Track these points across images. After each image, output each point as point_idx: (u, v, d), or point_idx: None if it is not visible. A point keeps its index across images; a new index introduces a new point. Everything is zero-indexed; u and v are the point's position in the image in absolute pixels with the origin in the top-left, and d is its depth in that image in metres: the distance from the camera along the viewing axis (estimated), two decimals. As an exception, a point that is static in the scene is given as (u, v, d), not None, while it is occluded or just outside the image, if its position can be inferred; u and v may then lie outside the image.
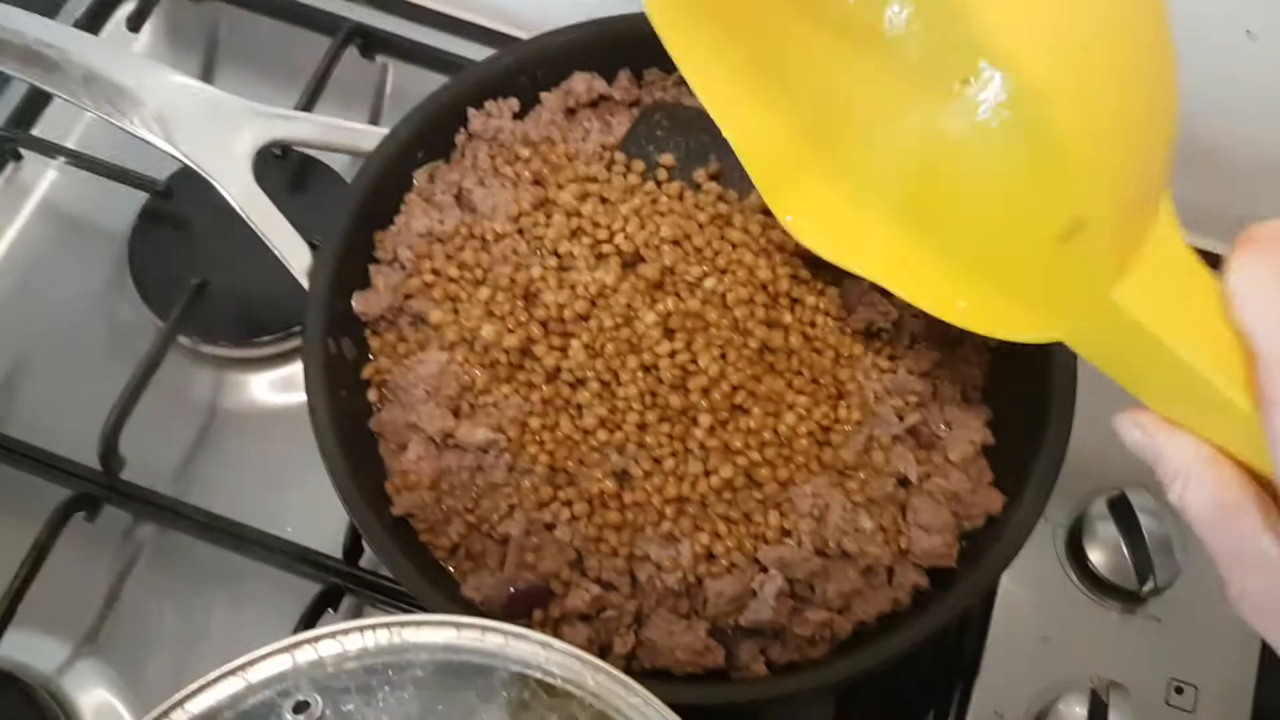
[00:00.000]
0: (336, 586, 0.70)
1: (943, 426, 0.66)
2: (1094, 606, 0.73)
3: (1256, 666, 0.71)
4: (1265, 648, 0.71)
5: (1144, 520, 0.70)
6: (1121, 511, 0.72)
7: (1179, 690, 0.71)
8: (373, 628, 0.48)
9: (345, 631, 0.48)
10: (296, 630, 0.67)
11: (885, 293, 0.69)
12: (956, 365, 0.68)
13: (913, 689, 0.71)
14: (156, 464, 0.76)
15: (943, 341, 0.69)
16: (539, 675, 0.48)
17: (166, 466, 0.77)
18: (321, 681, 0.47)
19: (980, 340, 0.69)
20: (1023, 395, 0.65)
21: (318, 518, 0.74)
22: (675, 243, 0.66)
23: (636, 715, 0.47)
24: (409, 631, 0.48)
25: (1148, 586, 0.70)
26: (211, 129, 0.71)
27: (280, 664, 0.47)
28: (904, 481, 0.64)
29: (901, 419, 0.65)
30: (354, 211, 0.68)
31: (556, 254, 0.67)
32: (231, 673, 0.46)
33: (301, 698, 0.46)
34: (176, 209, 0.81)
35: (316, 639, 0.47)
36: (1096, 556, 0.72)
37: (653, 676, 0.60)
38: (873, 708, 0.70)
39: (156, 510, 0.72)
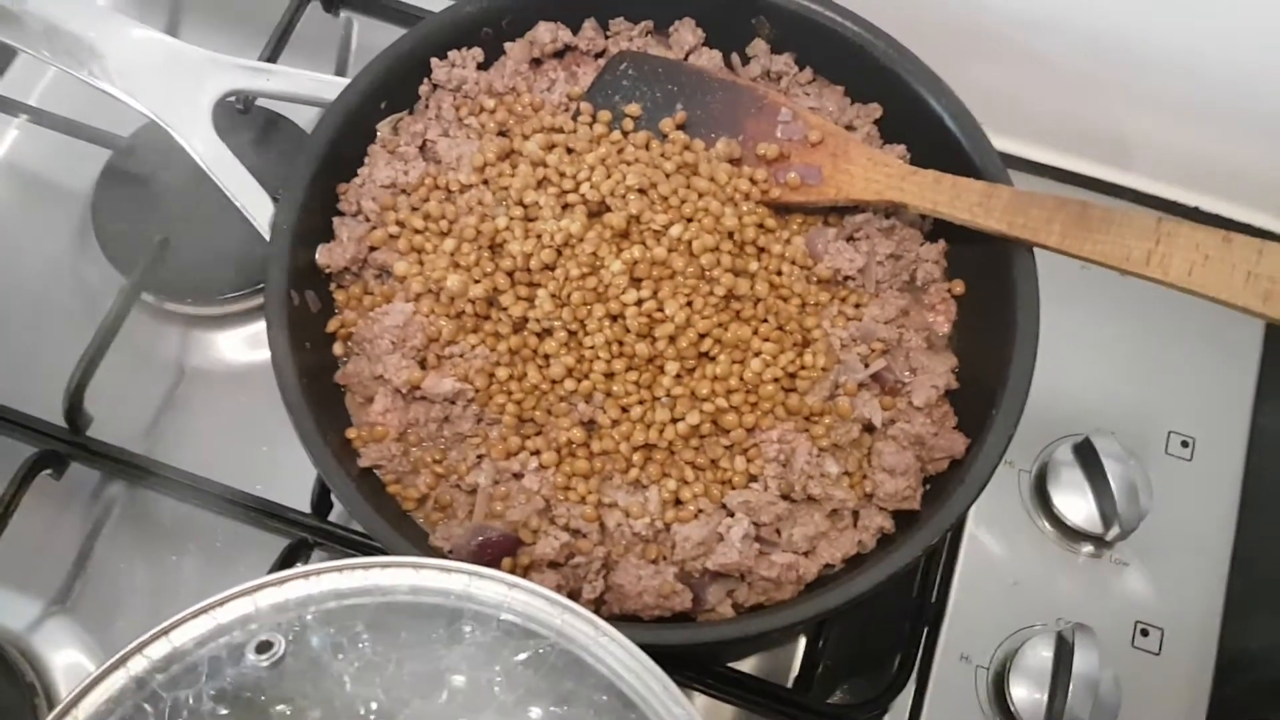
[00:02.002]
0: (305, 540, 0.70)
1: (907, 373, 0.67)
2: (1060, 551, 0.74)
3: (1221, 609, 0.72)
4: (1230, 590, 0.72)
5: (1109, 465, 0.71)
6: (1086, 456, 0.72)
7: (1145, 633, 0.72)
8: (338, 570, 0.48)
9: (313, 574, 0.48)
10: (265, 583, 0.67)
11: (851, 241, 0.69)
12: (921, 312, 0.69)
13: (880, 635, 0.71)
14: (125, 422, 0.76)
15: (908, 289, 0.69)
16: (504, 615, 0.48)
17: (135, 425, 0.76)
18: (286, 624, 0.47)
19: (945, 287, 0.69)
20: (987, 341, 0.65)
21: (287, 474, 0.74)
22: (641, 191, 0.66)
23: (604, 653, 0.47)
24: (374, 574, 0.48)
25: (1113, 531, 0.71)
26: (173, 81, 0.70)
27: (243, 606, 0.47)
28: (869, 427, 0.65)
29: (866, 365, 0.65)
30: (316, 162, 0.68)
31: (522, 204, 0.67)
32: (202, 611, 0.46)
33: (264, 637, 0.46)
34: (140, 166, 0.80)
35: (283, 580, 0.47)
36: (1062, 501, 0.73)
37: (621, 620, 0.60)
38: (841, 652, 0.70)
39: (124, 468, 0.72)
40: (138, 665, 0.46)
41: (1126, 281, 0.62)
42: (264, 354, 0.78)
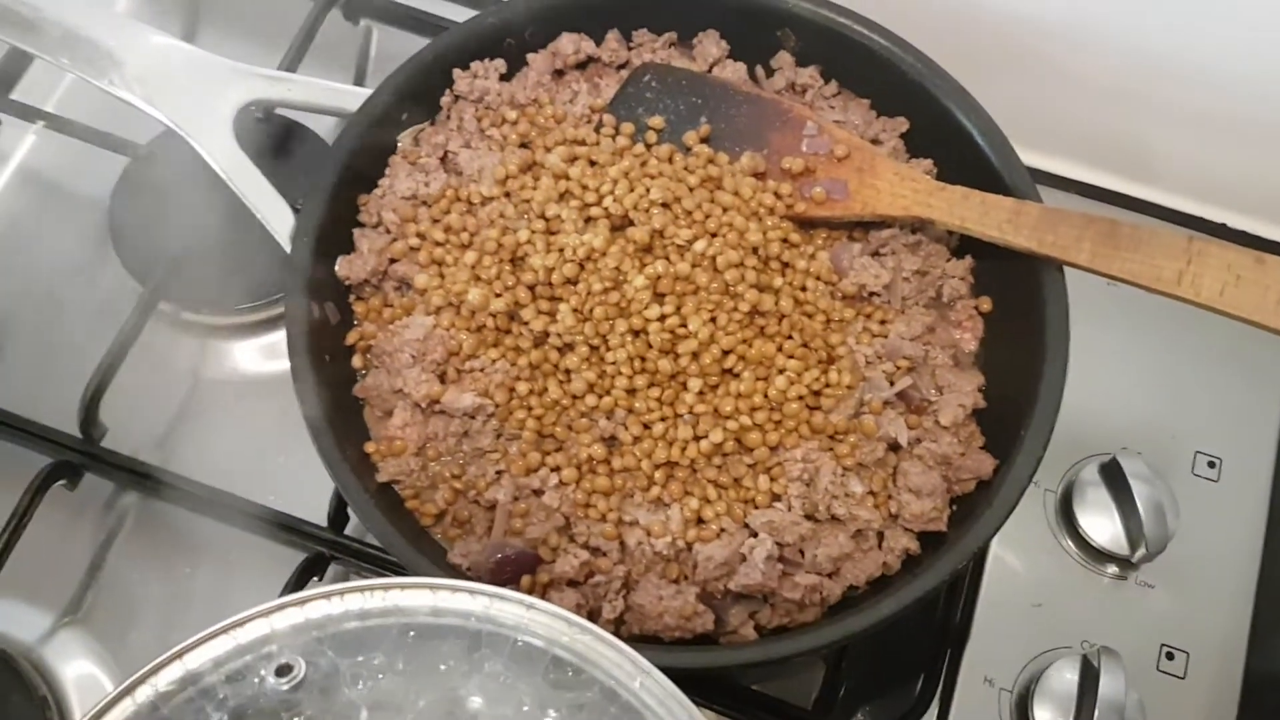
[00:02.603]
0: (321, 555, 0.70)
1: (934, 391, 0.66)
2: (1085, 572, 0.73)
3: (1248, 633, 0.71)
4: (1256, 613, 0.71)
5: (1136, 486, 0.70)
6: (1113, 477, 0.72)
7: (1170, 656, 0.70)
8: (357, 590, 0.47)
9: (331, 594, 0.47)
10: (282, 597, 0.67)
11: (876, 256, 0.68)
12: (948, 329, 0.68)
13: (903, 656, 0.70)
14: (139, 432, 0.75)
15: (934, 306, 0.68)
16: (522, 637, 0.47)
17: (149, 435, 0.76)
18: (305, 646, 0.46)
19: (973, 304, 0.68)
20: (1015, 360, 0.64)
21: (302, 486, 0.73)
22: (665, 205, 0.65)
23: (624, 675, 0.46)
24: (392, 595, 0.48)
25: (1140, 553, 0.70)
26: (193, 89, 0.70)
27: (262, 627, 0.46)
28: (894, 446, 0.64)
29: (892, 383, 0.65)
30: (337, 173, 0.67)
31: (544, 217, 0.66)
32: (222, 631, 0.45)
33: (284, 660, 0.46)
34: (158, 173, 0.80)
35: (303, 601, 0.47)
36: (1088, 522, 0.72)
37: (641, 642, 0.59)
38: (863, 674, 0.69)
39: (139, 479, 0.71)
40: (156, 684, 0.45)
41: (1152, 299, 0.61)
42: (279, 365, 0.78)
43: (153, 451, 0.75)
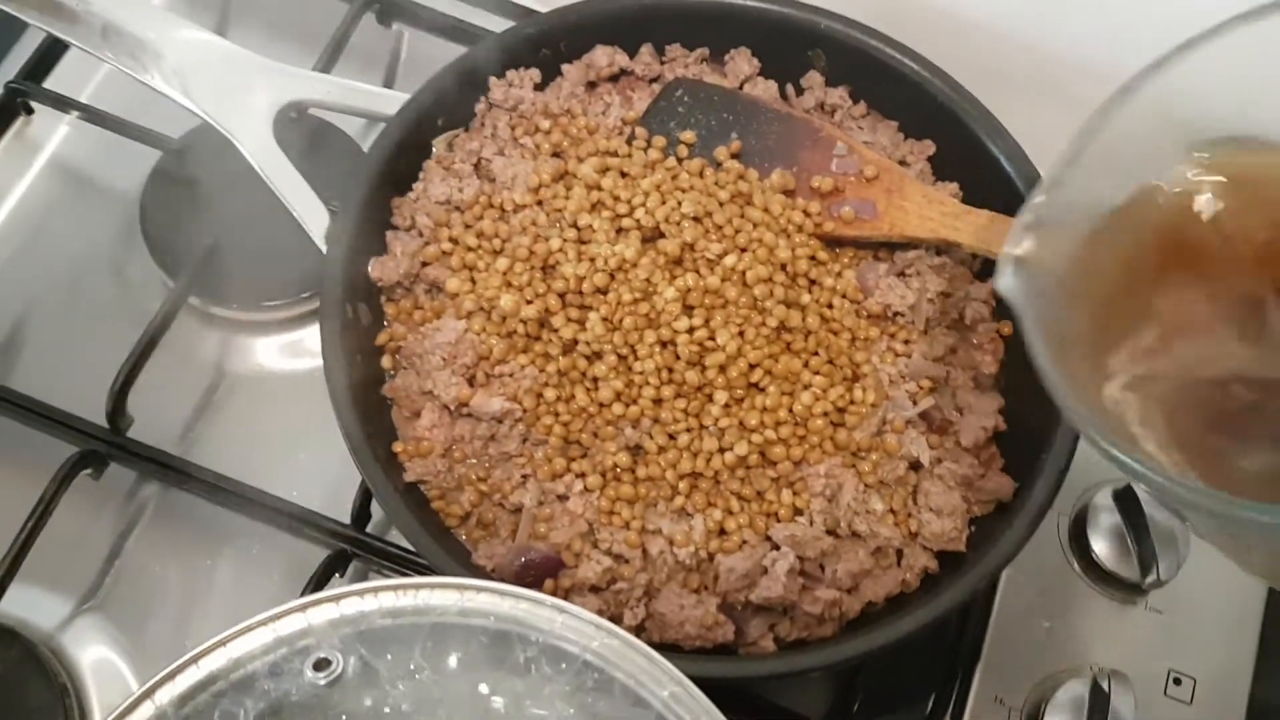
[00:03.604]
0: (344, 551, 0.70)
1: (955, 412, 0.67)
2: (1096, 596, 0.73)
3: (1253, 660, 0.72)
4: (1262, 642, 0.72)
5: (1150, 512, 0.71)
6: (1126, 502, 0.72)
7: (1177, 681, 0.71)
8: (395, 589, 0.48)
9: (365, 591, 0.48)
10: (305, 594, 0.67)
11: (901, 277, 0.69)
12: (969, 351, 0.69)
13: (915, 673, 0.71)
14: (163, 424, 0.75)
15: (955, 327, 0.69)
16: (554, 641, 0.48)
17: (173, 426, 0.76)
18: (341, 641, 0.47)
19: (994, 327, 0.69)
20: (1035, 383, 0.65)
21: (325, 483, 0.74)
22: (696, 219, 0.66)
23: (654, 684, 0.47)
24: (424, 594, 0.48)
25: (1150, 578, 0.71)
26: (232, 86, 0.70)
27: (299, 621, 0.47)
28: (915, 465, 0.65)
29: (915, 403, 0.65)
30: (374, 176, 0.68)
31: (576, 226, 0.67)
32: (261, 624, 0.46)
33: (323, 654, 0.46)
34: (190, 168, 0.80)
35: (339, 597, 0.47)
36: (1100, 547, 0.73)
37: (660, 650, 0.59)
38: (875, 689, 0.70)
39: (164, 470, 0.72)
40: (192, 676, 0.46)
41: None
42: (302, 362, 0.80)
43: (176, 443, 0.75)
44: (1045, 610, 0.73)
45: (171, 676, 0.46)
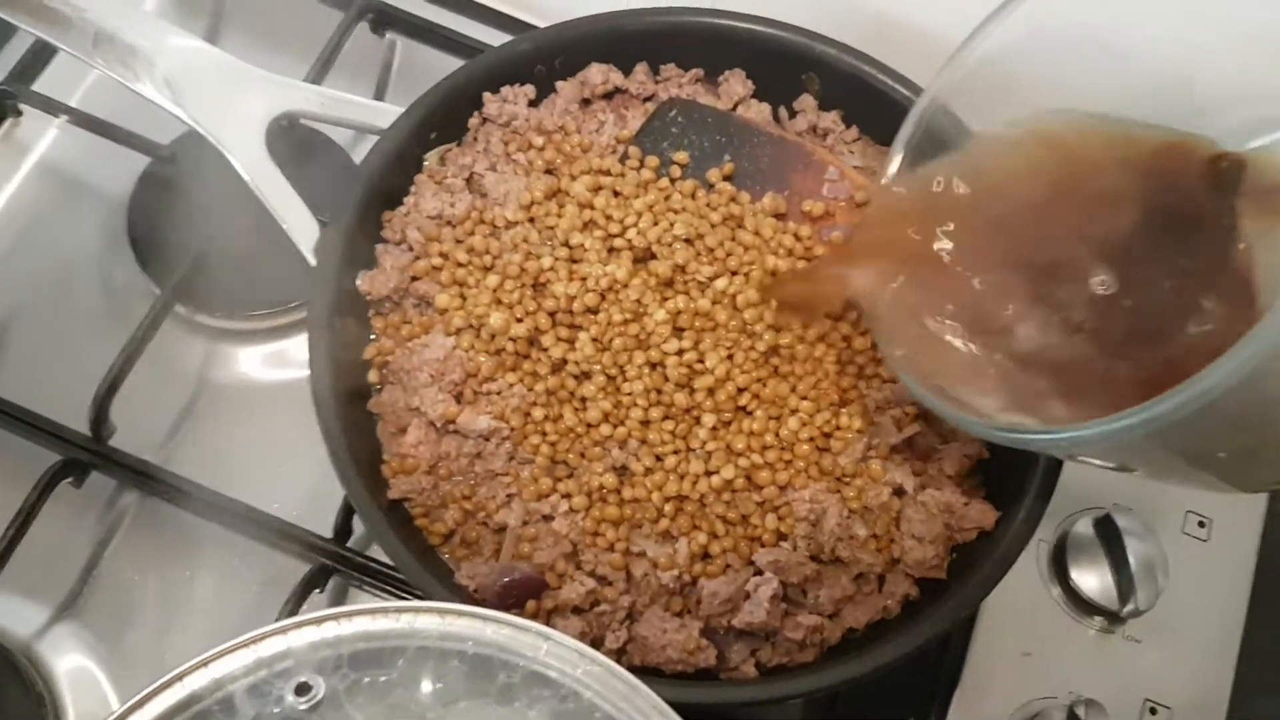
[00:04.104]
0: (325, 566, 0.70)
1: (939, 439, 0.67)
2: (1073, 624, 0.74)
3: (1230, 690, 0.73)
4: (1239, 673, 0.72)
5: (1129, 542, 0.71)
6: (1106, 532, 0.73)
7: (1154, 711, 0.72)
8: (375, 612, 0.47)
9: (349, 614, 0.47)
10: (285, 609, 0.67)
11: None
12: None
13: (893, 698, 0.71)
14: (145, 432, 0.75)
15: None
16: (535, 668, 0.48)
17: (155, 435, 0.76)
18: (321, 664, 0.47)
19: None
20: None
21: (304, 496, 0.74)
22: (688, 241, 0.66)
23: (638, 714, 0.47)
24: (406, 618, 0.48)
25: (1129, 607, 0.71)
26: (224, 95, 0.70)
27: (280, 643, 0.47)
28: (899, 491, 0.65)
29: (900, 429, 0.66)
30: (365, 189, 0.68)
31: (568, 245, 0.67)
32: (242, 645, 0.45)
33: (303, 679, 0.46)
34: (178, 175, 0.80)
35: (320, 620, 0.47)
36: (1079, 575, 0.73)
37: (643, 673, 0.60)
38: (853, 716, 0.70)
39: (144, 479, 0.71)
40: (173, 696, 0.45)
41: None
42: (286, 373, 0.79)
43: (157, 453, 0.75)
44: (1023, 637, 0.73)
45: (151, 697, 0.45)
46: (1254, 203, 0.55)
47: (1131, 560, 0.71)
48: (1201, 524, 0.77)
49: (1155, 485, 0.77)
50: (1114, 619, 0.73)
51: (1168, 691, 0.72)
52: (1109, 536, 0.73)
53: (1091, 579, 0.73)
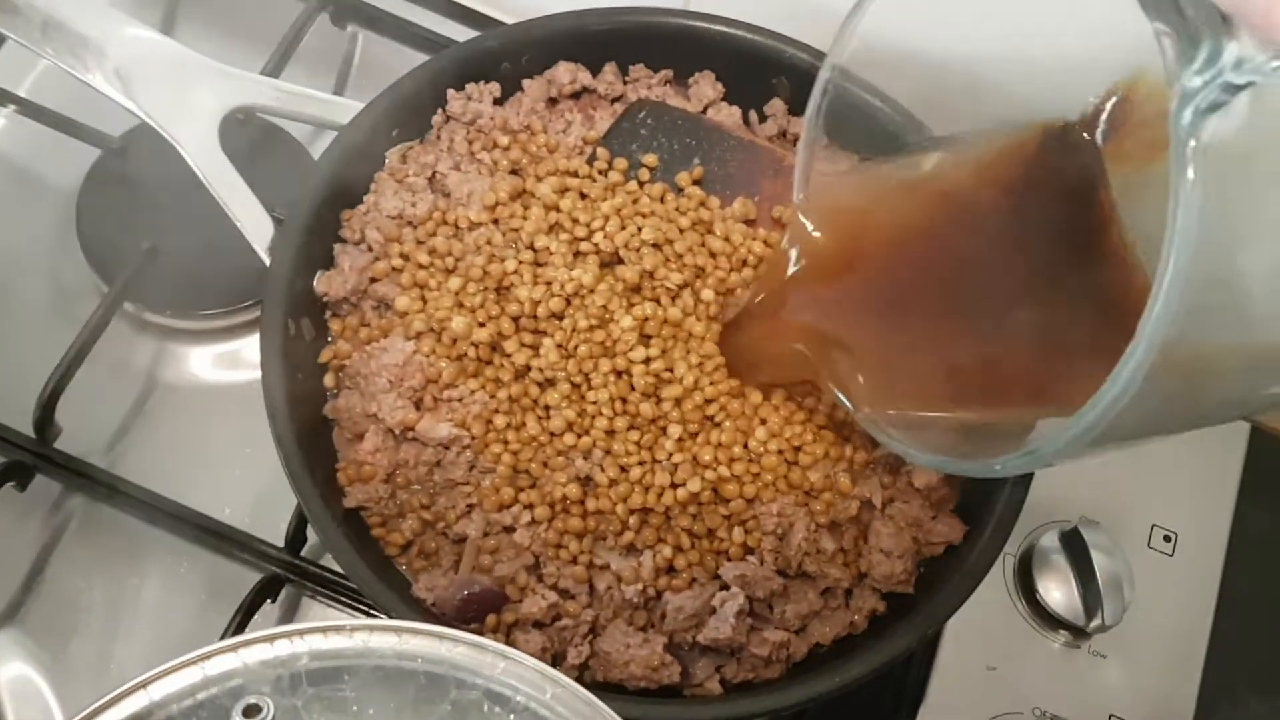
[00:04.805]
0: (277, 576, 0.68)
1: (908, 452, 0.66)
2: (1038, 638, 0.73)
3: (1194, 706, 0.72)
4: (1202, 690, 0.72)
5: (1097, 557, 0.70)
6: (1073, 545, 0.72)
7: (1118, 727, 0.71)
8: (328, 630, 0.46)
9: (300, 632, 0.46)
10: (236, 620, 0.65)
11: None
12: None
13: (857, 714, 0.70)
14: (91, 434, 0.73)
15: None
16: (495, 687, 0.46)
17: (101, 438, 0.73)
18: (271, 684, 0.45)
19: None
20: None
21: (256, 502, 0.72)
22: (656, 246, 0.65)
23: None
24: (360, 636, 0.46)
25: (1095, 622, 0.70)
26: (176, 88, 0.68)
27: (230, 661, 0.45)
28: (868, 505, 0.64)
29: (872, 447, 0.64)
30: (323, 187, 0.66)
31: (533, 248, 0.65)
32: (189, 663, 0.43)
33: (252, 700, 0.44)
34: (129, 169, 0.77)
35: (272, 637, 0.45)
36: (1045, 589, 0.72)
37: (605, 690, 0.58)
38: (816, 728, 0.69)
39: (90, 483, 0.69)
40: (115, 716, 0.43)
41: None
42: (237, 375, 0.77)
43: (104, 455, 0.72)
44: (988, 651, 0.72)
45: (92, 717, 0.43)
46: (1113, 163, 0.55)
47: (1099, 575, 0.70)
48: (1167, 538, 0.77)
49: (1122, 497, 0.77)
50: (1079, 634, 0.73)
51: (1132, 708, 0.72)
52: (1075, 550, 0.72)
53: (1057, 593, 0.73)
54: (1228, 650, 0.74)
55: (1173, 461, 0.79)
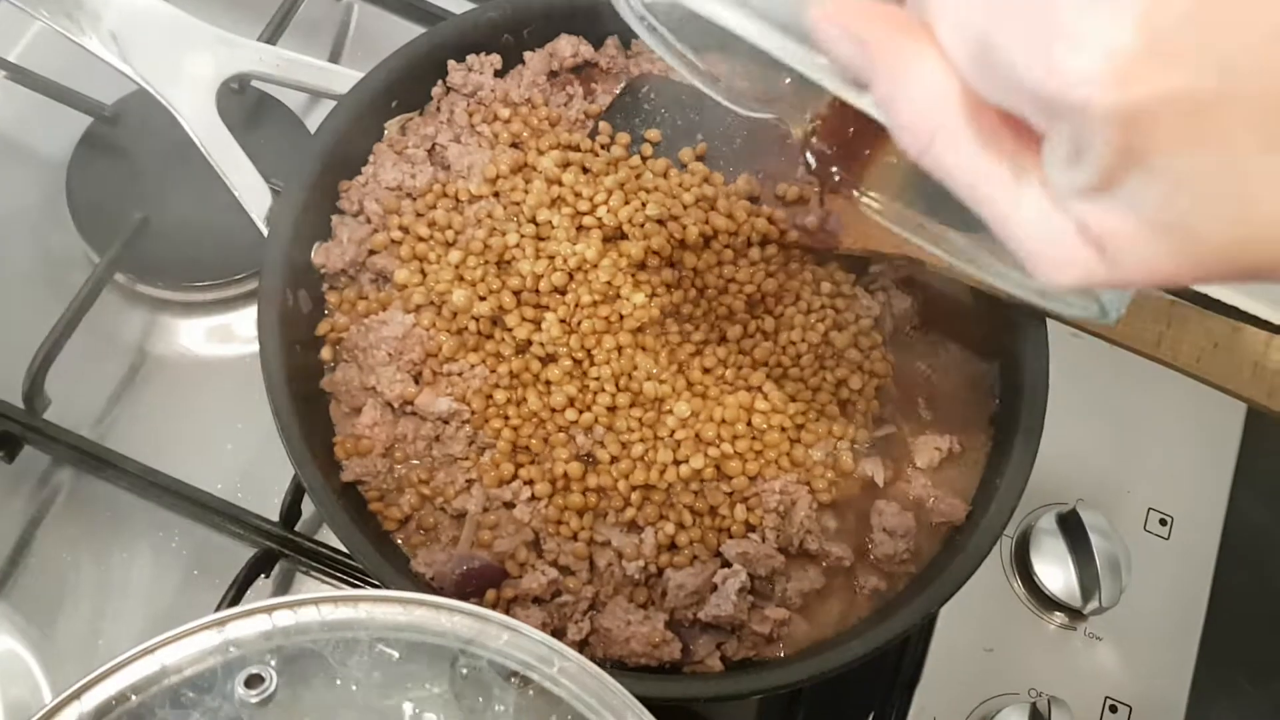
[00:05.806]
0: (271, 551, 0.67)
1: (911, 432, 0.65)
2: (1035, 620, 0.73)
3: (1188, 689, 0.72)
4: (1198, 672, 0.72)
5: (1094, 539, 0.70)
6: (1071, 527, 0.72)
7: (1114, 709, 0.71)
8: (333, 601, 0.45)
9: (302, 603, 0.45)
10: (229, 595, 0.64)
11: (867, 291, 0.68)
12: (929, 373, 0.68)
13: (854, 692, 0.70)
14: (81, 406, 0.72)
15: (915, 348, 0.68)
16: (499, 659, 0.45)
17: (91, 409, 0.72)
18: (273, 655, 0.44)
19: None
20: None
21: (249, 476, 0.71)
22: (660, 222, 0.64)
23: (604, 709, 0.45)
24: (364, 607, 0.46)
25: (1092, 604, 0.70)
26: (173, 52, 0.66)
27: (230, 631, 0.44)
28: (870, 484, 0.63)
29: (875, 426, 0.64)
30: (321, 157, 0.65)
31: (535, 222, 0.64)
32: (188, 633, 0.43)
33: (254, 670, 0.43)
34: (122, 137, 0.76)
35: (271, 608, 0.45)
36: (1043, 571, 0.72)
37: (604, 666, 0.57)
38: (814, 708, 0.68)
39: (80, 455, 0.68)
40: (114, 686, 0.43)
41: (1115, 353, 0.61)
42: (230, 348, 0.76)
43: (94, 428, 0.71)
44: (986, 633, 0.72)
45: (88, 687, 0.42)
46: None
47: (1096, 557, 0.70)
48: (1163, 521, 0.77)
49: (1119, 481, 0.77)
50: (1076, 616, 0.73)
51: (1128, 690, 0.72)
52: (1073, 532, 0.72)
53: (1055, 575, 0.72)
54: (1222, 632, 0.74)
55: (1169, 444, 0.79)
